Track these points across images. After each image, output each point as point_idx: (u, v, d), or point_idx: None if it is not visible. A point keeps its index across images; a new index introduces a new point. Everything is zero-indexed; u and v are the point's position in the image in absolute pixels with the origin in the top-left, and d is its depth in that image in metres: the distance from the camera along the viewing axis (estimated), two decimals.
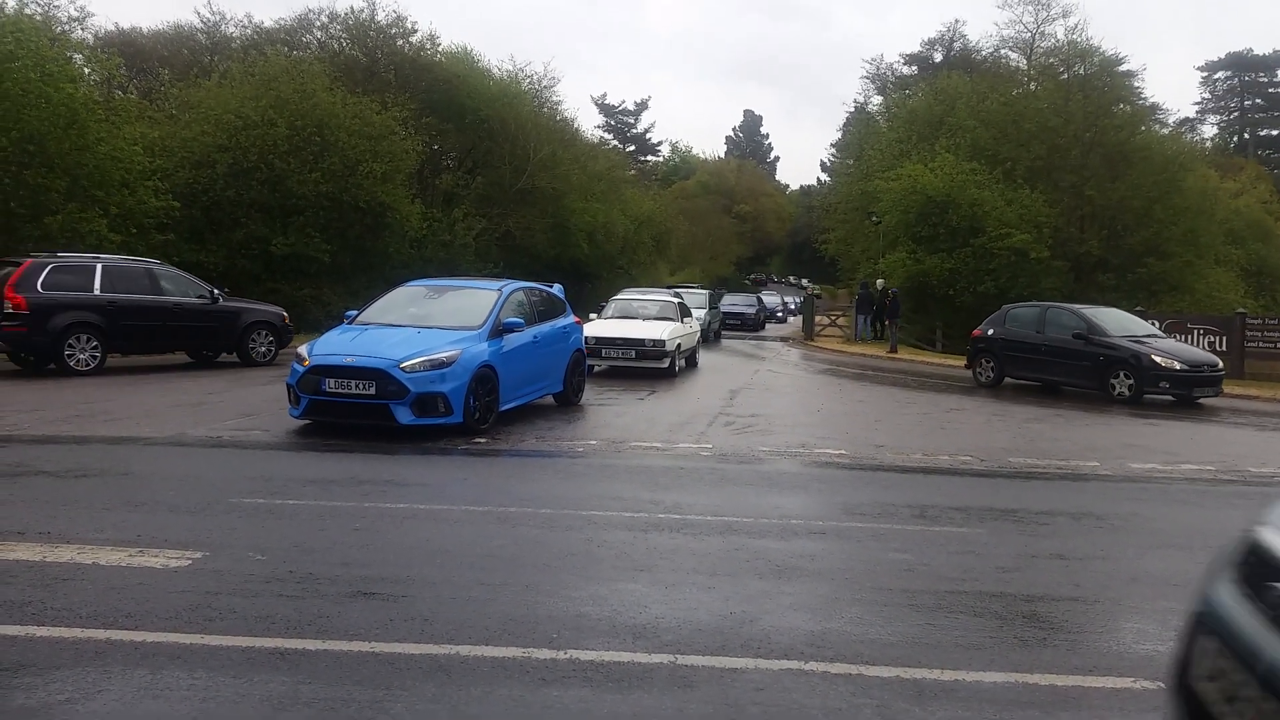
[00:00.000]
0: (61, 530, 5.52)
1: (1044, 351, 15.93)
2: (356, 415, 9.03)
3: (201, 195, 23.35)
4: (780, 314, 50.08)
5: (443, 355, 9.14)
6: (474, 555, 5.31)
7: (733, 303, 35.39)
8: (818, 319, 33.47)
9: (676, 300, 18.90)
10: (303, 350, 9.50)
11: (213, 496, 6.49)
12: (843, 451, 9.42)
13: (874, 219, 32.82)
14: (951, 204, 28.55)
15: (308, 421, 9.41)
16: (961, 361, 23.82)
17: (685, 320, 17.82)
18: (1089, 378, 15.28)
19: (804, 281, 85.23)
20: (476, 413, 9.40)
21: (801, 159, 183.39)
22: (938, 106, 34.44)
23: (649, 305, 18.31)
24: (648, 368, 15.97)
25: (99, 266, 13.96)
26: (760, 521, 6.37)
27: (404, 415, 8.91)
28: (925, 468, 8.79)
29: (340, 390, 8.92)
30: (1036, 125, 30.36)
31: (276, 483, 7.04)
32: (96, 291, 13.72)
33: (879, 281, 29.74)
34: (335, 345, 9.47)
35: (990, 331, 17.12)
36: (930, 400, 15.00)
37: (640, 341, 15.86)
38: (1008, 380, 16.83)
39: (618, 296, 20.35)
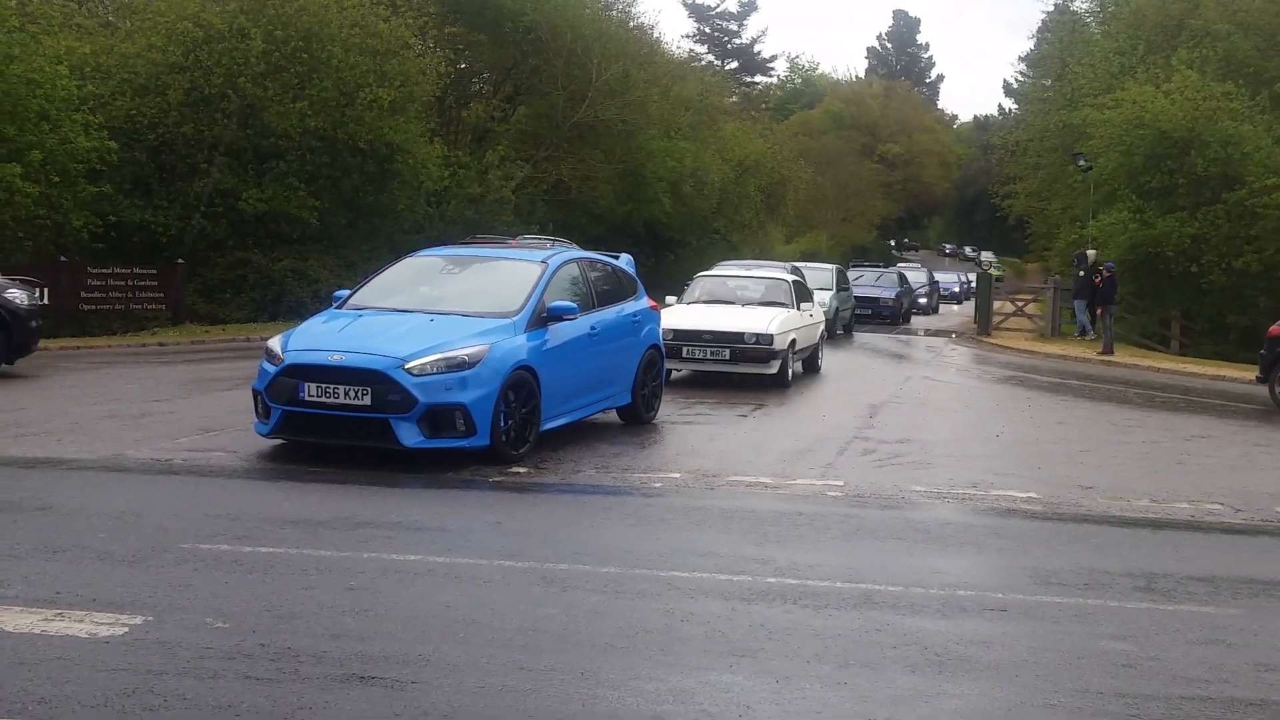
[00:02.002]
0: None
1: None
2: (345, 433, 9.19)
3: (148, 132, 24.13)
4: (924, 298, 44.67)
5: (464, 352, 9.24)
6: (510, 629, 5.35)
7: (860, 280, 34.83)
8: (998, 306, 32.97)
9: (790, 278, 18.69)
10: (274, 344, 9.69)
11: (159, 541, 6.66)
12: (1033, 494, 9.25)
13: (1081, 163, 32.24)
14: (1195, 142, 27.90)
15: (283, 441, 9.62)
16: (1210, 367, 23.29)
17: (803, 307, 17.56)
18: None
19: (982, 255, 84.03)
20: (510, 432, 9.49)
21: (976, 79, 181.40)
22: (1176, 4, 33.67)
23: (751, 285, 18.10)
24: (748, 374, 15.84)
25: None
26: (912, 591, 6.29)
27: (410, 435, 9.03)
28: (1154, 520, 8.58)
29: (324, 399, 9.07)
30: None
31: (245, 524, 7.20)
32: None
33: (1089, 253, 29.22)
34: (318, 337, 9.66)
35: None
36: (1163, 423, 14.66)
37: (737, 336, 15.65)
38: None
39: (707, 272, 20.25)
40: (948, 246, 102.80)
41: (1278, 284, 26.77)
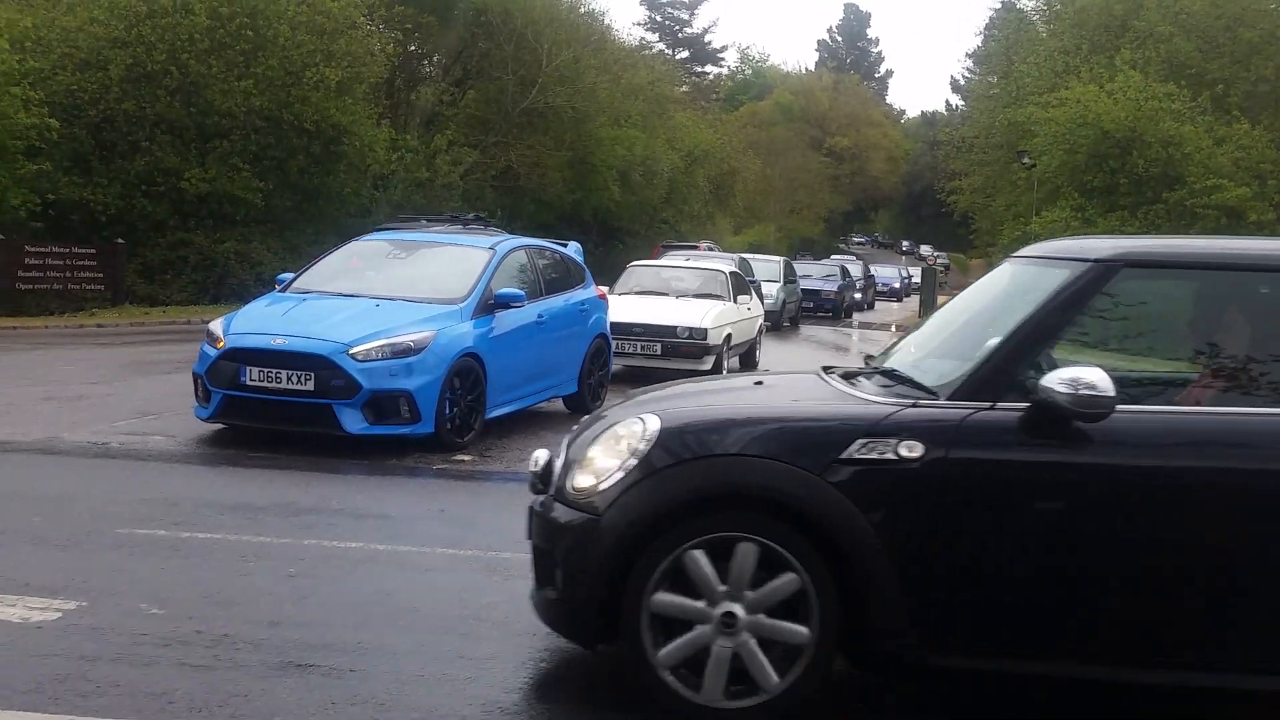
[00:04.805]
0: None
1: None
2: (287, 419, 9.08)
3: (88, 109, 23.73)
4: (858, 293, 41.90)
5: (409, 338, 9.17)
6: (452, 616, 5.33)
7: (805, 273, 34.67)
8: (942, 300, 33.24)
9: (727, 270, 17.80)
10: (216, 327, 9.57)
11: (94, 526, 6.57)
12: None
13: (1025, 161, 32.64)
14: (1137, 142, 28.28)
15: (223, 426, 9.52)
16: None
17: (740, 299, 16.87)
18: None
19: (937, 253, 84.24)
20: (455, 419, 9.44)
21: (924, 75, 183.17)
22: (1119, 4, 34.10)
23: (686, 276, 17.24)
24: (680, 369, 14.70)
25: None
26: None
27: (353, 421, 8.95)
28: None
29: (266, 383, 8.97)
30: (1261, 34, 29.87)
31: (183, 509, 7.11)
32: None
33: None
34: (261, 321, 9.54)
35: None
36: None
37: (670, 330, 14.90)
38: None
39: (640, 262, 19.56)
40: (905, 244, 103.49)
41: None
